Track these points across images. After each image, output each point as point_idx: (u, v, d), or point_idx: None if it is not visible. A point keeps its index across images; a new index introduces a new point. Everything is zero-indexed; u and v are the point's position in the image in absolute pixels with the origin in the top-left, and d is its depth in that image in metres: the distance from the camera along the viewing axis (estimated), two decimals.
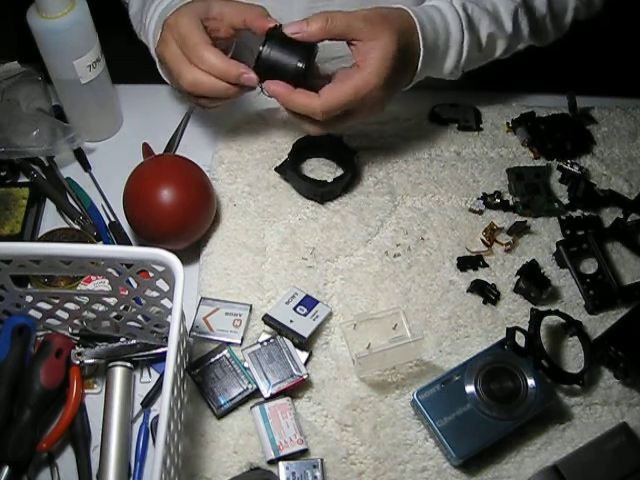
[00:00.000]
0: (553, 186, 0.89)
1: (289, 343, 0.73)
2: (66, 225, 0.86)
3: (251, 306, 0.77)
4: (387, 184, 0.88)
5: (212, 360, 0.73)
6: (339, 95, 0.73)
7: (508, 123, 0.94)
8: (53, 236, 0.83)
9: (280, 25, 0.75)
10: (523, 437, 0.70)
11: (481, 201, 0.86)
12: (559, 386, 0.73)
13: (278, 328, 0.74)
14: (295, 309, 0.75)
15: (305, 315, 0.75)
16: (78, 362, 0.71)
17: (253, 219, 0.84)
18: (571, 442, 0.71)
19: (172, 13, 0.77)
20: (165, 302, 0.69)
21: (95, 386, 0.73)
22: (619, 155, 0.93)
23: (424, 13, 0.79)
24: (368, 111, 0.78)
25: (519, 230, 0.84)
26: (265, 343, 0.73)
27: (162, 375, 0.73)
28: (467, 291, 0.80)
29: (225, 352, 0.74)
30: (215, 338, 0.75)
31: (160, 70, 0.84)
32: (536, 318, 0.74)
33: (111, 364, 0.71)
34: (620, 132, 0.95)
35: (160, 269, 0.63)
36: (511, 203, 0.86)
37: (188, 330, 0.74)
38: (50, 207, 0.88)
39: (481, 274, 0.81)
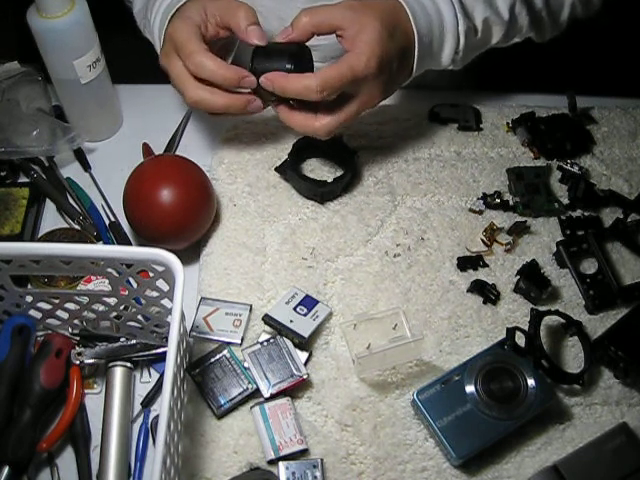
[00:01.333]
0: (553, 186, 0.89)
1: (289, 343, 0.73)
2: (66, 225, 0.86)
3: (251, 306, 0.77)
4: (387, 184, 0.88)
5: (212, 360, 0.73)
6: (334, 71, 0.72)
7: (508, 123, 0.94)
8: (53, 236, 0.83)
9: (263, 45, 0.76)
10: (523, 437, 0.70)
11: (481, 201, 0.86)
12: (559, 386, 0.73)
13: (278, 328, 0.74)
14: (295, 309, 0.75)
15: (305, 315, 0.75)
16: (78, 362, 0.71)
17: (253, 219, 0.84)
18: (571, 442, 0.71)
19: (171, 22, 0.78)
20: (165, 302, 0.69)
21: (95, 386, 0.73)
22: (619, 155, 0.93)
23: (414, 0, 0.79)
24: (366, 99, 0.77)
25: (519, 230, 0.84)
26: (265, 343, 0.73)
27: (162, 375, 0.73)
28: (467, 291, 0.80)
29: (225, 352, 0.74)
30: (215, 338, 0.75)
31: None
32: (536, 318, 0.74)
33: (111, 364, 0.71)
34: (620, 132, 0.95)
35: (160, 269, 0.63)
36: (511, 203, 0.86)
37: (188, 330, 0.74)
38: (50, 207, 0.88)
39: (481, 274, 0.81)
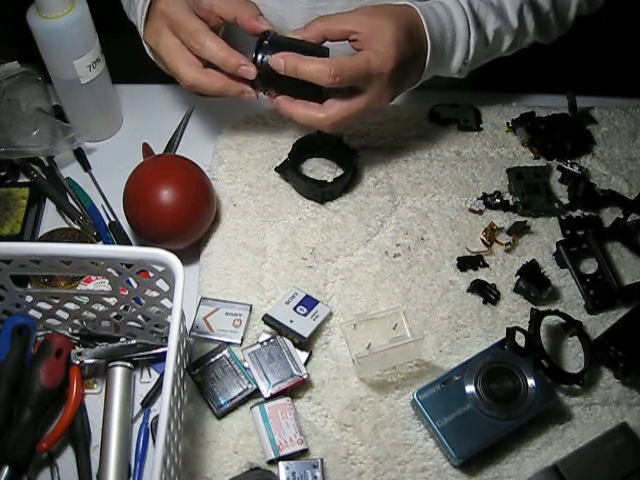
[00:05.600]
0: (553, 186, 0.89)
1: (289, 343, 0.73)
2: (66, 225, 0.86)
3: (251, 306, 0.77)
4: (387, 184, 0.88)
5: (212, 360, 0.73)
6: (350, 61, 0.71)
7: (508, 123, 0.94)
8: (53, 236, 0.83)
9: (268, 32, 0.75)
10: (523, 437, 0.70)
11: (481, 201, 0.86)
12: (559, 386, 0.73)
13: (278, 328, 0.74)
14: (295, 309, 0.75)
15: (305, 315, 0.75)
16: (78, 362, 0.71)
17: (253, 219, 0.84)
18: (571, 442, 0.71)
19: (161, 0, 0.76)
20: (165, 302, 0.69)
21: (95, 386, 0.73)
22: (619, 155, 0.93)
23: (428, 8, 0.79)
24: (375, 97, 0.76)
25: (519, 230, 0.84)
26: (265, 343, 0.73)
27: (162, 375, 0.73)
28: (467, 291, 0.80)
29: (225, 352, 0.74)
30: (215, 338, 0.75)
31: (151, 55, 0.83)
32: (536, 318, 0.74)
33: (111, 364, 0.71)
34: (620, 132, 0.95)
35: (160, 269, 0.63)
36: (511, 203, 0.86)
37: (188, 330, 0.74)
38: (50, 207, 0.88)
39: (481, 274, 0.81)
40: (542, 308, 0.76)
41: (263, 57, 0.74)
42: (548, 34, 0.91)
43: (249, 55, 0.75)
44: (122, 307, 0.71)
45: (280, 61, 0.72)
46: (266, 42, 0.74)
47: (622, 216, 0.85)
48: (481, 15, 0.82)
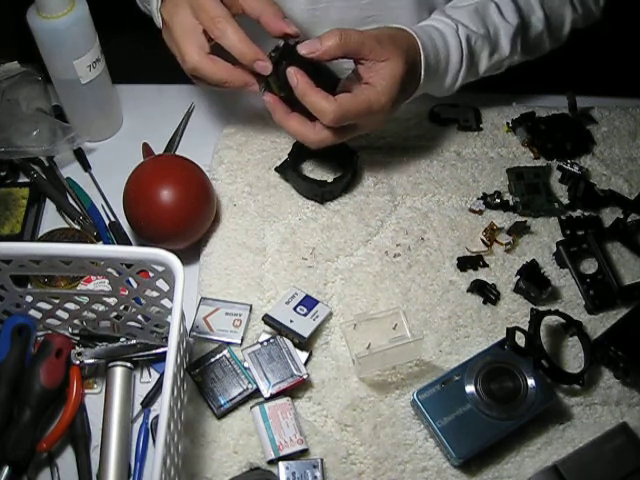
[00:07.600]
0: (553, 186, 0.89)
1: (289, 343, 0.73)
2: (66, 225, 0.86)
3: (251, 306, 0.77)
4: (387, 184, 0.88)
5: (212, 360, 0.73)
6: (354, 105, 0.73)
7: (508, 123, 0.94)
8: (53, 236, 0.83)
9: (291, 39, 0.74)
10: (523, 437, 0.70)
11: (481, 201, 0.86)
12: (559, 386, 0.73)
13: (278, 328, 0.74)
14: (295, 309, 0.75)
15: (305, 315, 0.75)
16: (78, 362, 0.71)
17: (253, 219, 0.84)
18: (571, 442, 0.71)
19: None
20: (165, 302, 0.69)
21: (95, 386, 0.73)
22: (619, 155, 0.93)
23: (427, 36, 0.80)
24: (369, 127, 0.80)
25: (519, 230, 0.84)
26: (265, 343, 0.73)
27: (162, 375, 0.73)
28: (467, 291, 0.80)
29: (225, 352, 0.74)
30: (215, 338, 0.75)
31: (159, 25, 0.81)
32: (536, 318, 0.74)
33: (111, 364, 0.71)
34: (620, 132, 0.95)
35: (160, 269, 0.63)
36: (511, 203, 0.86)
37: (188, 330, 0.74)
38: (50, 207, 0.88)
39: (481, 274, 0.81)
40: (542, 308, 0.76)
41: (283, 61, 0.73)
42: (538, 53, 0.93)
43: (264, 49, 0.73)
44: (122, 307, 0.71)
45: (294, 79, 0.73)
46: (290, 45, 0.73)
47: (622, 216, 0.85)
48: (476, 52, 0.85)
